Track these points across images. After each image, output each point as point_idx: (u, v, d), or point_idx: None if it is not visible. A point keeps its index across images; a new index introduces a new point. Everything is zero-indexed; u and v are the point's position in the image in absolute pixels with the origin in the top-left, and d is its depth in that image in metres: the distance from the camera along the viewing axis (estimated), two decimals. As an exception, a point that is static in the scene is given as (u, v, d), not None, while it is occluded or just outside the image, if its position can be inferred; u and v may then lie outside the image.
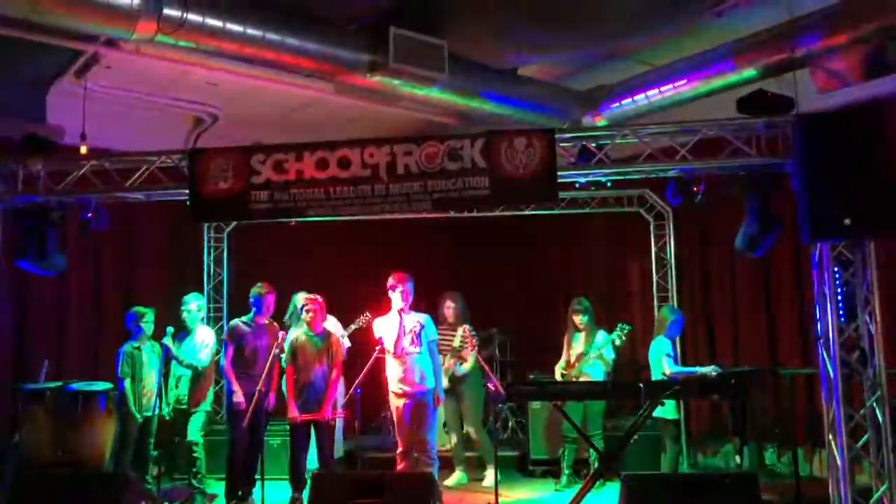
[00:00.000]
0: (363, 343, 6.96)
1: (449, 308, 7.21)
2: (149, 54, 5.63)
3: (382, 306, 6.35)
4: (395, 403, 6.21)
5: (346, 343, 7.07)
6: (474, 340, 6.98)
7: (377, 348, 6.59)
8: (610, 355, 6.76)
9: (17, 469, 6.04)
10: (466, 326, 7.06)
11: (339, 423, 7.07)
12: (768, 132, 5.21)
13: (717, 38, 5.99)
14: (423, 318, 6.27)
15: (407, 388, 6.12)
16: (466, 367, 7.05)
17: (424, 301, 6.76)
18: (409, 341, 6.13)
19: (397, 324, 6.16)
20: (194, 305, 6.48)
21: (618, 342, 6.71)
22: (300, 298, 7.23)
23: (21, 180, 5.73)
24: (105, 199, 5.84)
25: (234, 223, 8.15)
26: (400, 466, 6.12)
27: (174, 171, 5.70)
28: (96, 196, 5.77)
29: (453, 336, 7.07)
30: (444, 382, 7.05)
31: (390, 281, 6.21)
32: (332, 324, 6.97)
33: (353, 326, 7.17)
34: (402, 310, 6.19)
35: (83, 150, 6.08)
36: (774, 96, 5.26)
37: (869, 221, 4.76)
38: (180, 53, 5.46)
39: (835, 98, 5.81)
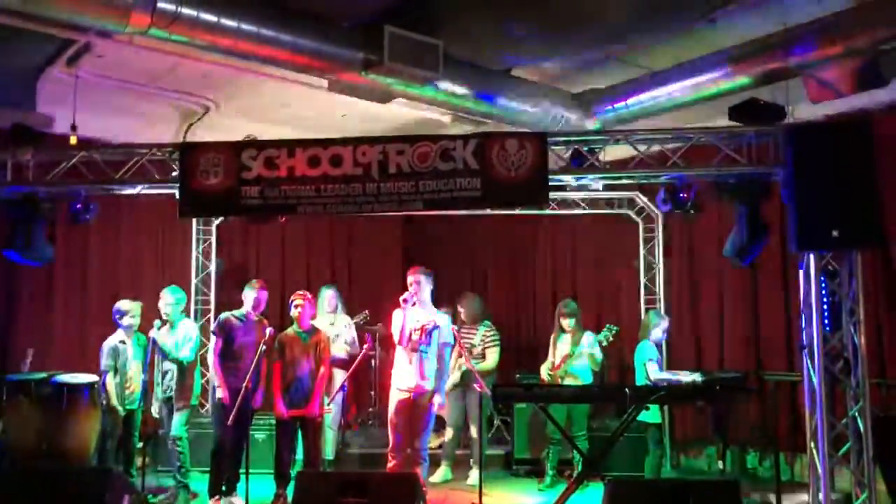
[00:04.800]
0: (388, 337, 6.61)
1: (463, 308, 7.46)
2: (142, 46, 5.59)
3: (378, 303, 6.32)
4: (394, 398, 6.08)
5: (352, 334, 7.19)
6: (459, 343, 7.01)
7: (366, 346, 6.60)
8: (599, 355, 6.82)
9: (0, 458, 6.02)
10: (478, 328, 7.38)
11: (329, 420, 7.04)
12: (759, 141, 5.24)
13: (711, 45, 5.99)
14: (442, 318, 6.15)
15: (408, 385, 6.00)
16: (488, 364, 7.19)
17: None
18: (418, 337, 5.99)
19: (403, 317, 6.01)
20: (172, 298, 6.41)
21: (605, 343, 6.78)
22: (328, 294, 7.30)
23: (10, 170, 5.69)
24: (94, 191, 5.80)
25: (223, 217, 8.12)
26: (391, 464, 6.03)
27: (164, 165, 5.69)
28: (86, 187, 5.74)
29: (472, 335, 7.26)
30: (456, 377, 7.14)
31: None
32: (344, 320, 7.15)
33: (353, 322, 7.26)
34: (409, 302, 5.98)
35: (73, 140, 6.04)
36: (766, 105, 5.29)
37: (856, 233, 4.82)
38: (174, 47, 5.42)
39: (826, 109, 5.85)
